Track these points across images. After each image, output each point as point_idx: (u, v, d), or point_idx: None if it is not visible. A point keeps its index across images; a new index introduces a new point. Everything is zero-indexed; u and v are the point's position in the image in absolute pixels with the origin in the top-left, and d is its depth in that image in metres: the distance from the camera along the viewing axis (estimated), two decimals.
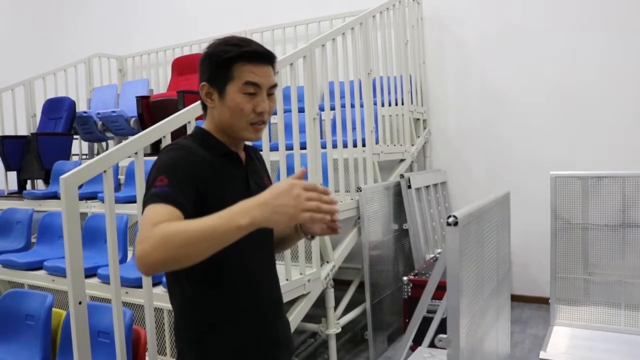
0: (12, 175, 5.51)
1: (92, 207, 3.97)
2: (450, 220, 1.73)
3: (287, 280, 2.95)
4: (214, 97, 1.37)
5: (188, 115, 2.27)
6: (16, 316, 2.60)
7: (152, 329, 2.12)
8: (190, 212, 1.19)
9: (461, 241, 1.74)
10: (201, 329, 1.35)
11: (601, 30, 4.54)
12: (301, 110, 3.25)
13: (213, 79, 1.36)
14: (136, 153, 2.05)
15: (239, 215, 1.06)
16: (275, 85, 1.39)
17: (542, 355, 3.76)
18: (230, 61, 1.33)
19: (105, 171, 1.92)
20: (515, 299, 4.97)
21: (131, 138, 2.04)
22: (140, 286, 2.65)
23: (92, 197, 4.11)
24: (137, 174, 2.09)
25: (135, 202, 3.62)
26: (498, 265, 2.40)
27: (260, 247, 1.43)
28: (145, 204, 1.20)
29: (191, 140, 1.37)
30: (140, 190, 2.07)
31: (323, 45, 3.41)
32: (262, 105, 1.34)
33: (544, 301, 4.56)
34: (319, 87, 3.79)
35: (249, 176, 1.42)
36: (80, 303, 1.83)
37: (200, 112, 2.31)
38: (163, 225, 1.09)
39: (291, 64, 3.07)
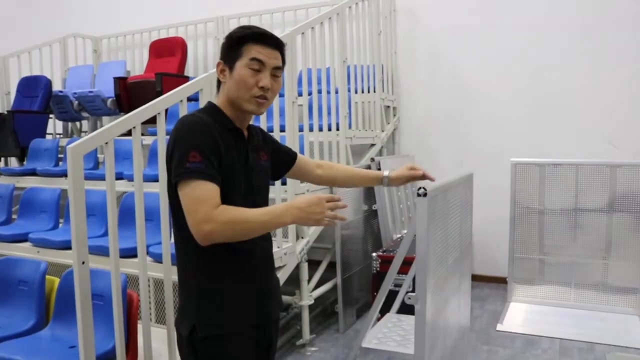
0: None
1: None
2: (420, 191, 1.95)
3: None
4: (226, 73, 1.57)
5: (181, 94, 2.43)
6: (9, 282, 2.75)
7: (145, 290, 2.29)
8: (220, 181, 1.45)
9: (429, 210, 1.97)
10: (201, 278, 1.55)
11: (563, 25, 4.85)
12: (280, 95, 3.43)
13: (227, 57, 1.57)
14: (134, 127, 2.21)
15: (284, 216, 1.43)
16: (280, 68, 1.58)
17: (498, 327, 4.08)
18: (242, 41, 1.54)
19: (106, 143, 2.08)
20: (475, 278, 5.27)
21: (130, 113, 2.20)
22: (128, 256, 2.84)
23: None
24: (135, 149, 2.26)
25: (120, 179, 3.78)
26: (461, 238, 2.65)
27: (256, 206, 1.62)
28: (183, 177, 1.41)
29: (204, 114, 1.56)
30: (138, 162, 2.24)
31: (303, 33, 3.60)
32: (264, 81, 1.53)
33: (502, 281, 4.88)
34: (298, 72, 3.97)
35: (249, 151, 1.62)
36: (83, 263, 1.99)
37: (191, 92, 2.50)
38: (225, 209, 1.40)
39: None
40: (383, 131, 5.08)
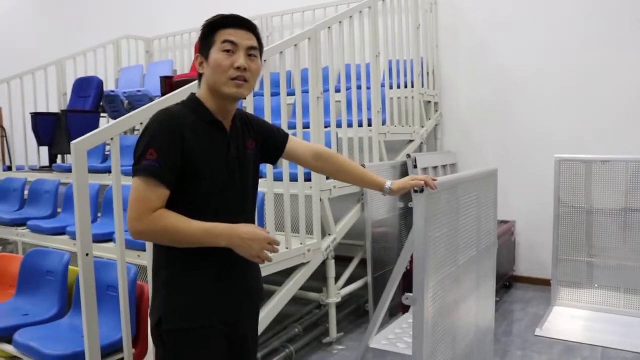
0: (44, 150, 5.84)
1: None
2: (417, 188, 1.89)
3: (287, 248, 3.15)
4: (204, 64, 1.59)
5: (188, 93, 2.46)
6: (38, 272, 2.89)
7: None
8: (174, 182, 1.48)
9: (427, 207, 1.90)
10: (174, 271, 1.56)
11: (610, 17, 4.57)
12: (306, 91, 3.41)
13: (202, 49, 1.59)
14: (141, 124, 2.26)
15: (221, 239, 1.47)
16: (255, 48, 1.59)
17: (537, 332, 3.90)
18: (213, 29, 1.56)
19: (112, 139, 2.14)
20: (520, 280, 5.09)
21: (137, 110, 2.25)
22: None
23: None
24: None
25: None
26: (479, 237, 2.54)
27: (236, 204, 1.62)
28: (136, 172, 1.46)
29: (183, 106, 1.59)
30: None
31: (329, 27, 3.56)
32: (240, 61, 1.54)
33: (547, 283, 4.66)
34: (334, 68, 3.93)
35: (231, 142, 1.62)
36: (87, 255, 2.05)
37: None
38: (161, 216, 1.44)
39: (296, 45, 3.24)
40: (423, 127, 4.97)
